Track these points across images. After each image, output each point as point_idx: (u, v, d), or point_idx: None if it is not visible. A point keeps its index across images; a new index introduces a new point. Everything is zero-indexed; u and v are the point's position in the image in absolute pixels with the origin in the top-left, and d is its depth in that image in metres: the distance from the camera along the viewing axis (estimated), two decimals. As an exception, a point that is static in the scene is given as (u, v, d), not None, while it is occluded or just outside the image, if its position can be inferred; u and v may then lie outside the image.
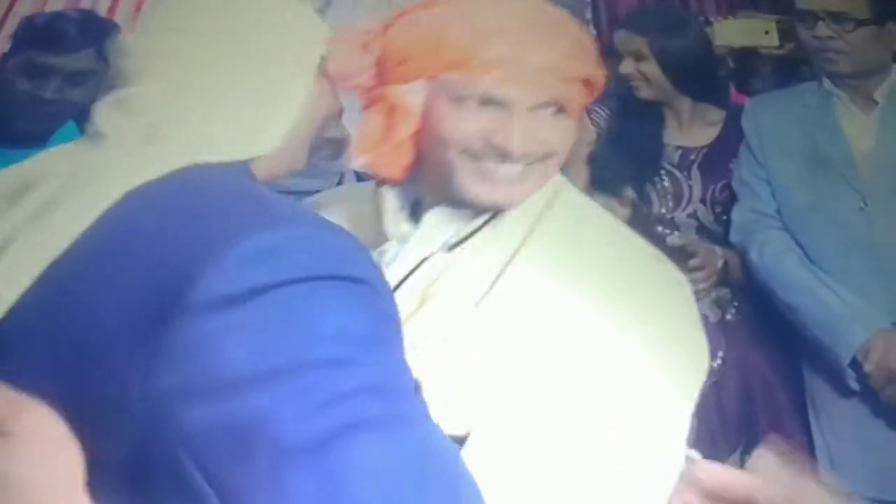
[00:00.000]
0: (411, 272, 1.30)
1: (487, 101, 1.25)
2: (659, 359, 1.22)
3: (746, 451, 2.50)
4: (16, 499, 0.84)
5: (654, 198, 2.69)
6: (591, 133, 2.81)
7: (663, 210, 2.69)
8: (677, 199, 2.68)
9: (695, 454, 1.07)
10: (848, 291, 2.41)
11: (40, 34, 2.46)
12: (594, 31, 3.73)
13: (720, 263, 2.55)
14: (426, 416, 0.94)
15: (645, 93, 2.72)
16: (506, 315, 1.24)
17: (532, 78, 1.25)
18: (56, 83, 2.36)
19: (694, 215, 2.67)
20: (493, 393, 1.19)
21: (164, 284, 0.89)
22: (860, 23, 2.40)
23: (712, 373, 2.36)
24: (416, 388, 0.95)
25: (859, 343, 2.35)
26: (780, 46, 2.83)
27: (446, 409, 1.08)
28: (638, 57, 2.70)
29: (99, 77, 2.31)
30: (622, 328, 1.21)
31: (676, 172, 2.70)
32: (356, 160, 1.39)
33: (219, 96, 1.08)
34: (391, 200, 1.35)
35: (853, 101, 2.52)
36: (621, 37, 2.79)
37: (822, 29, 2.43)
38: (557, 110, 1.29)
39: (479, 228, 1.31)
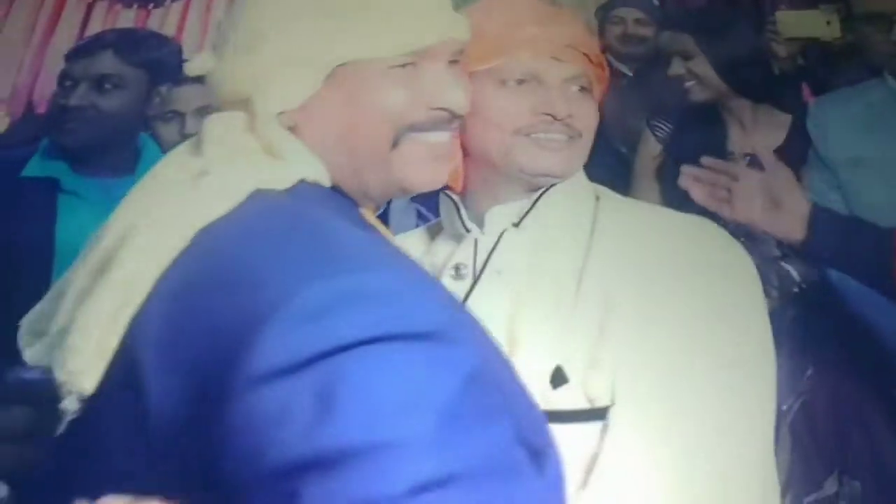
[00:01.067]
0: (491, 252, 1.42)
1: (525, 79, 1.41)
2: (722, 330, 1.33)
3: (844, 471, 2.44)
4: None
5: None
6: (656, 148, 2.82)
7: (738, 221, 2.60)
8: None
9: None
10: None
11: (78, 49, 2.50)
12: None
13: None
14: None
15: (699, 94, 2.71)
16: (597, 294, 1.34)
17: (560, 53, 1.42)
18: (82, 90, 2.35)
19: None
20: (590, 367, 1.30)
21: (221, 359, 0.85)
22: None
23: (802, 389, 2.45)
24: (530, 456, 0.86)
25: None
26: (843, 37, 2.77)
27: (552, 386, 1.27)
28: (685, 56, 2.69)
29: (128, 83, 2.37)
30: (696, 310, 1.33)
31: None
32: None
33: None
34: (454, 205, 1.47)
35: None
36: (666, 37, 2.81)
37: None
38: (582, 88, 1.44)
39: (538, 200, 1.43)
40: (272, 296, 0.86)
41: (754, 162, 2.56)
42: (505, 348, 1.22)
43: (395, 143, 1.10)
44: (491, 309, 1.33)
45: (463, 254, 1.46)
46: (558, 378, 1.30)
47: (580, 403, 1.30)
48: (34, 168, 2.36)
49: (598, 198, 1.49)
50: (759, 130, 2.72)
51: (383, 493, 0.78)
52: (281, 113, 1.08)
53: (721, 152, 2.64)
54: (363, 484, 0.79)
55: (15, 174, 2.36)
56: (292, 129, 1.09)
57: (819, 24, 3.04)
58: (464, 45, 1.18)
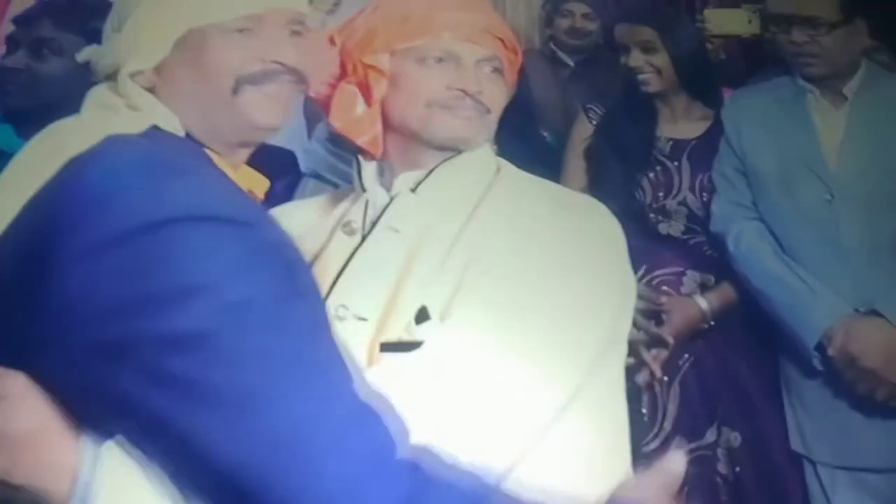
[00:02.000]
0: (383, 211, 1.55)
1: (443, 58, 1.54)
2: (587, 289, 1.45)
3: (723, 423, 2.66)
4: (22, 449, 1.02)
5: (647, 187, 2.77)
6: (589, 129, 2.90)
7: (655, 198, 2.77)
8: (668, 188, 2.78)
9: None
10: (815, 280, 2.51)
11: (20, 16, 2.41)
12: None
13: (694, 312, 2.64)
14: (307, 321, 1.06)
15: (654, 85, 2.79)
16: (470, 254, 1.46)
17: (476, 36, 1.56)
18: (20, 54, 2.29)
19: (684, 202, 2.76)
20: (451, 310, 1.42)
21: (46, 236, 1.03)
22: (832, 26, 2.48)
23: (694, 348, 2.62)
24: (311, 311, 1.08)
25: (823, 328, 2.46)
26: (762, 35, 2.91)
27: (417, 320, 1.40)
28: (646, 49, 2.76)
29: (65, 50, 2.23)
30: (558, 266, 1.44)
31: (668, 162, 2.79)
32: (333, 125, 1.62)
33: None
34: (368, 168, 1.60)
35: (824, 96, 2.59)
36: (626, 29, 2.84)
37: (798, 34, 2.51)
38: (494, 69, 1.58)
39: (436, 167, 1.56)
40: (92, 193, 1.03)
41: (676, 147, 2.79)
42: (392, 290, 1.45)
43: (234, 92, 1.23)
44: (380, 260, 1.51)
45: (355, 212, 1.59)
46: (422, 316, 1.43)
47: (433, 336, 1.42)
48: None
49: (498, 169, 1.61)
50: (686, 119, 2.83)
51: (201, 311, 0.98)
52: (138, 74, 1.24)
53: (648, 137, 2.82)
54: (175, 320, 0.98)
55: None
56: (151, 90, 1.24)
57: (742, 22, 3.21)
58: (301, 15, 1.30)
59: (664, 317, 2.60)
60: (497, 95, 1.59)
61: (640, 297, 2.46)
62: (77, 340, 1.00)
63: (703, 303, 2.66)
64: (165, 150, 1.16)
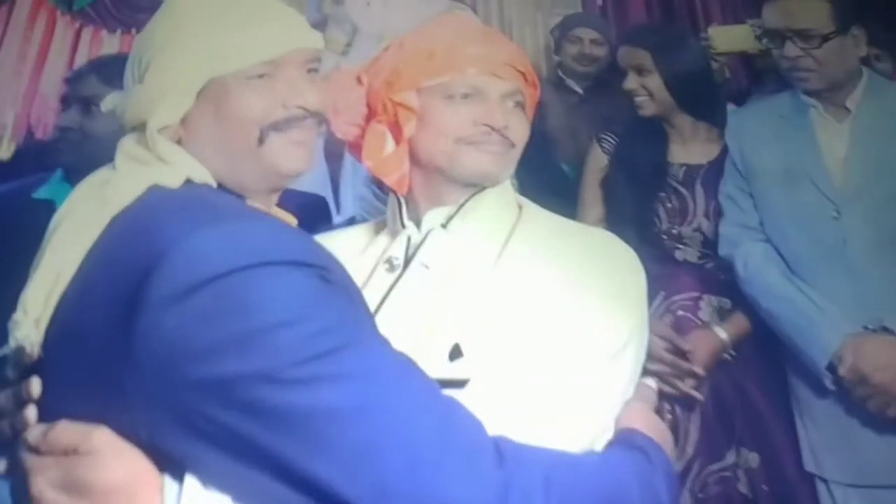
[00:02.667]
0: (417, 248, 1.55)
1: (469, 94, 1.55)
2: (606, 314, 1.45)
3: (741, 444, 2.65)
4: (114, 501, 1.06)
5: (663, 214, 2.77)
6: (603, 160, 2.90)
7: (670, 225, 2.76)
8: (683, 215, 2.76)
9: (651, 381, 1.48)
10: (823, 299, 2.48)
11: (74, 75, 2.53)
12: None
13: (717, 343, 2.64)
14: (384, 342, 1.12)
15: (648, 109, 2.79)
16: (504, 289, 1.47)
17: (499, 69, 1.56)
18: (71, 113, 2.36)
19: (699, 229, 2.75)
20: (487, 347, 1.41)
21: (126, 288, 1.05)
22: (825, 38, 2.45)
23: (714, 377, 2.61)
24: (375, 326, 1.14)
25: (834, 348, 2.42)
26: (769, 51, 2.82)
27: (451, 357, 1.39)
28: (640, 71, 2.77)
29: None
30: (584, 299, 1.45)
31: (682, 189, 2.78)
32: (365, 165, 1.63)
33: None
34: (396, 205, 1.61)
35: (827, 110, 2.56)
36: (624, 52, 2.86)
37: (790, 48, 2.48)
38: (517, 103, 1.59)
39: (465, 203, 1.56)
40: (169, 239, 1.06)
41: (689, 173, 2.78)
42: (424, 327, 1.45)
43: (260, 141, 1.26)
44: (414, 296, 1.50)
45: (396, 248, 1.58)
46: (455, 353, 1.43)
47: (468, 374, 1.41)
48: (43, 191, 2.38)
49: (520, 207, 1.63)
50: (696, 143, 2.81)
51: (292, 343, 1.02)
52: (165, 128, 1.25)
53: (661, 164, 2.80)
54: (272, 346, 1.02)
55: (28, 197, 2.37)
56: (179, 142, 1.26)
57: (747, 38, 3.17)
58: (319, 54, 1.33)
59: (690, 354, 2.60)
60: (520, 130, 1.60)
61: (664, 337, 2.55)
62: (174, 384, 1.03)
63: (722, 334, 2.65)
64: (217, 198, 1.19)
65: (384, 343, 1.12)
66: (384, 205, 2.18)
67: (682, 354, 2.58)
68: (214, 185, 1.26)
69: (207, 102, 1.25)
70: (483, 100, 1.57)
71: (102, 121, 2.22)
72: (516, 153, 1.60)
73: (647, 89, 2.78)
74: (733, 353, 2.66)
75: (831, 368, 2.44)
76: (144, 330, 1.03)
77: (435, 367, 1.37)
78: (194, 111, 1.26)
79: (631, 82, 2.79)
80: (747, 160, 2.65)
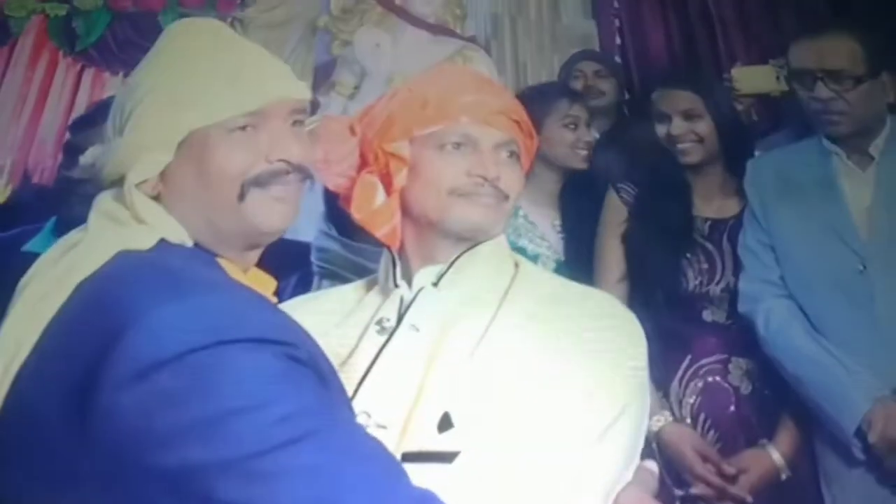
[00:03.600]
0: (407, 308, 1.50)
1: (462, 143, 1.51)
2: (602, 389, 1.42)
3: None
4: None
5: (689, 273, 2.60)
6: (623, 211, 2.72)
7: (698, 284, 2.60)
8: (711, 274, 2.60)
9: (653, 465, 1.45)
10: (851, 359, 2.34)
11: (78, 121, 2.42)
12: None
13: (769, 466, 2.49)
14: (351, 427, 1.11)
15: (694, 156, 2.63)
16: (496, 355, 1.43)
17: (493, 119, 1.53)
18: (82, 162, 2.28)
19: (727, 289, 2.59)
20: (477, 418, 1.38)
21: (84, 366, 1.02)
22: (858, 80, 2.35)
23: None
24: (350, 415, 1.15)
25: (863, 413, 2.28)
26: (791, 91, 2.69)
27: (440, 428, 1.36)
28: (689, 116, 2.60)
29: None
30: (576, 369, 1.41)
31: (709, 245, 2.62)
32: (355, 216, 1.57)
33: None
34: (390, 263, 1.56)
35: (850, 158, 2.45)
36: (667, 95, 2.67)
37: (822, 90, 2.37)
38: (511, 153, 1.55)
39: (456, 260, 1.52)
40: (129, 315, 1.03)
41: (714, 227, 2.62)
42: (413, 395, 1.40)
43: (241, 197, 1.22)
44: (404, 361, 1.44)
45: (388, 309, 1.52)
46: (445, 423, 1.37)
47: (458, 446, 1.37)
48: (37, 243, 2.30)
49: (517, 265, 1.57)
50: (719, 197, 2.67)
51: (254, 430, 1.00)
52: (144, 182, 1.22)
53: (687, 217, 2.64)
54: (233, 434, 0.99)
55: (18, 249, 2.28)
56: (156, 197, 1.22)
57: (770, 79, 3.10)
58: (303, 105, 1.29)
59: (741, 476, 2.45)
60: (514, 181, 1.55)
61: (708, 457, 2.44)
62: (130, 470, 1.01)
63: (775, 454, 2.48)
64: (182, 267, 1.15)
65: (353, 428, 1.11)
66: (352, 254, 2.13)
67: (729, 477, 2.43)
68: (190, 243, 1.22)
69: (187, 156, 1.22)
70: (475, 150, 1.52)
71: None
72: (509, 206, 1.55)
73: (698, 135, 2.60)
74: (790, 473, 2.49)
75: (860, 435, 2.30)
76: (101, 412, 1.01)
77: (424, 438, 1.37)
78: (174, 165, 1.22)
79: (678, 127, 2.61)
80: (768, 211, 2.53)
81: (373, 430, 1.36)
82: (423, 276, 1.53)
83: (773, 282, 2.50)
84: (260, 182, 1.22)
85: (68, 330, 1.09)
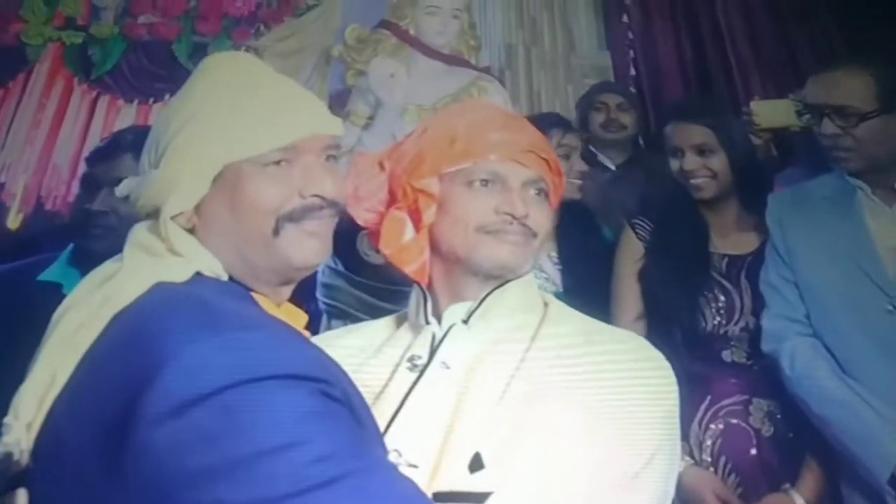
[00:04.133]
0: (438, 346, 1.49)
1: (490, 180, 1.51)
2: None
3: None
4: None
5: (708, 312, 2.55)
6: (639, 248, 2.67)
7: (716, 324, 2.55)
8: (730, 313, 2.55)
9: None
10: (881, 402, 2.26)
11: (98, 152, 2.39)
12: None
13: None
14: (387, 468, 1.09)
15: (708, 191, 2.59)
16: (527, 395, 1.42)
17: (521, 157, 1.52)
18: (104, 195, 2.22)
19: (746, 328, 2.53)
20: (508, 459, 1.37)
21: (120, 401, 1.02)
22: (863, 116, 2.30)
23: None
24: (384, 454, 1.13)
25: (896, 459, 2.21)
26: (809, 127, 2.66)
27: (471, 469, 1.35)
28: (702, 151, 2.57)
29: None
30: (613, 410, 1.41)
31: (726, 283, 2.57)
32: (384, 252, 1.58)
33: None
34: (422, 299, 1.55)
35: (875, 193, 2.40)
36: (679, 129, 2.63)
37: (828, 126, 2.34)
38: (539, 191, 1.54)
39: (486, 297, 1.51)
40: (165, 351, 1.03)
41: (732, 264, 2.57)
42: (443, 433, 1.39)
43: (276, 232, 1.22)
44: (435, 399, 1.44)
45: (420, 346, 1.52)
46: (476, 464, 1.36)
47: (490, 487, 1.36)
48: (53, 273, 2.28)
49: (546, 305, 1.56)
50: (735, 233, 2.63)
51: (287, 470, 0.99)
52: (179, 215, 1.22)
53: (704, 255, 2.59)
54: (265, 475, 0.98)
55: (32, 279, 2.27)
56: (192, 230, 1.23)
57: (790, 113, 2.99)
58: (337, 140, 1.29)
59: None
60: (542, 219, 1.55)
61: (728, 503, 2.39)
62: None
63: (799, 500, 2.41)
64: (217, 301, 1.14)
65: (388, 469, 1.09)
66: (348, 284, 2.10)
67: None
68: (225, 277, 1.22)
69: (222, 190, 1.22)
70: (504, 187, 1.52)
71: None
72: (537, 243, 1.55)
73: (711, 170, 2.57)
74: None
75: (893, 482, 2.21)
76: (135, 448, 1.00)
77: (455, 478, 1.36)
78: (209, 198, 1.23)
79: (691, 162, 2.58)
80: (791, 246, 2.47)
81: (403, 469, 1.32)
82: (453, 313, 1.52)
83: (797, 319, 2.43)
84: (293, 217, 1.22)
85: (104, 364, 1.09)
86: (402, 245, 1.55)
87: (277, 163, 1.22)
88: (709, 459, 2.49)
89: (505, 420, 1.40)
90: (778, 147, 3.29)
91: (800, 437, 2.45)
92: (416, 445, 1.40)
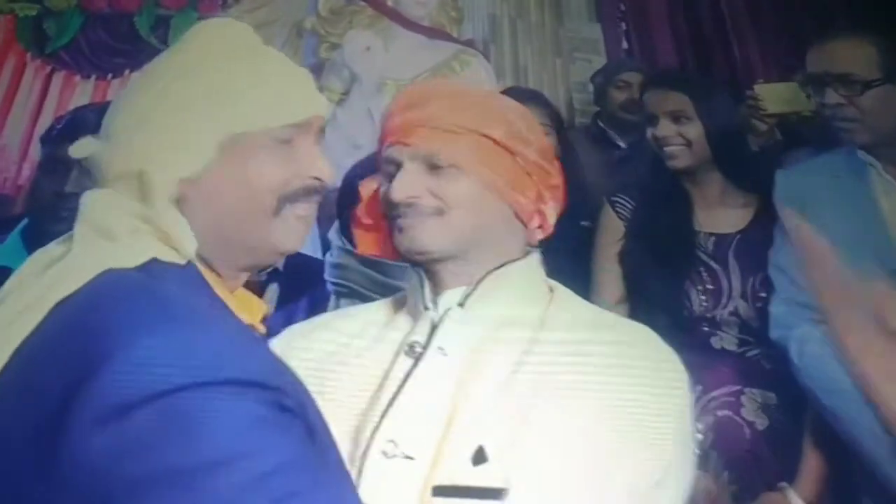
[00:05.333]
0: (436, 329, 1.44)
1: (391, 168, 1.48)
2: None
3: None
4: None
5: (694, 296, 2.44)
6: (619, 228, 2.58)
7: (704, 309, 2.43)
8: (717, 296, 2.44)
9: None
10: None
11: (61, 132, 2.32)
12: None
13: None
14: (337, 486, 1.07)
15: (682, 160, 2.50)
16: (532, 386, 1.37)
17: (406, 136, 1.47)
18: (74, 175, 2.17)
19: (735, 312, 2.43)
20: (515, 451, 1.32)
21: (56, 402, 0.97)
22: (867, 84, 2.22)
23: None
24: (337, 462, 1.11)
25: (912, 455, 2.09)
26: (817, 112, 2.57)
27: (475, 462, 1.31)
28: (677, 118, 2.49)
29: None
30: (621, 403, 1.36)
31: (713, 264, 2.46)
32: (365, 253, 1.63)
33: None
34: (418, 282, 1.50)
35: (886, 170, 2.28)
36: (656, 95, 2.57)
37: (831, 95, 2.26)
38: (434, 166, 1.45)
39: (482, 279, 1.46)
40: (106, 347, 0.98)
41: (719, 243, 2.48)
42: (443, 424, 1.34)
43: (276, 212, 1.19)
44: (433, 387, 1.39)
45: (419, 332, 1.46)
46: (479, 457, 1.31)
47: (494, 482, 1.31)
48: (1, 255, 2.20)
49: (552, 290, 1.52)
50: (724, 208, 2.53)
51: (227, 487, 0.94)
52: (168, 182, 1.15)
53: (688, 233, 2.49)
54: (205, 489, 0.94)
55: None
56: (179, 200, 1.15)
57: (799, 97, 2.89)
58: (323, 121, 1.27)
59: None
60: (450, 190, 1.46)
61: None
62: None
63: (796, 500, 2.26)
64: (170, 292, 1.09)
65: (341, 492, 1.08)
66: (359, 263, 2.05)
67: None
68: (184, 261, 1.15)
69: (228, 159, 1.17)
70: (403, 171, 1.48)
71: None
72: (456, 216, 1.46)
73: (685, 138, 2.48)
74: None
75: None
76: (71, 452, 0.95)
77: (456, 471, 1.32)
78: (208, 171, 1.17)
79: (664, 129, 2.49)
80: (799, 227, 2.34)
81: (399, 461, 1.34)
82: (450, 297, 1.47)
83: (806, 304, 2.29)
84: (292, 198, 1.20)
85: (40, 359, 1.03)
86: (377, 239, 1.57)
87: (284, 142, 1.20)
88: (700, 455, 2.28)
89: (509, 411, 1.36)
90: (784, 133, 3.18)
91: (797, 431, 2.34)
92: (412, 436, 1.36)
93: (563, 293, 1.53)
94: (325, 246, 3.21)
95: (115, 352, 0.98)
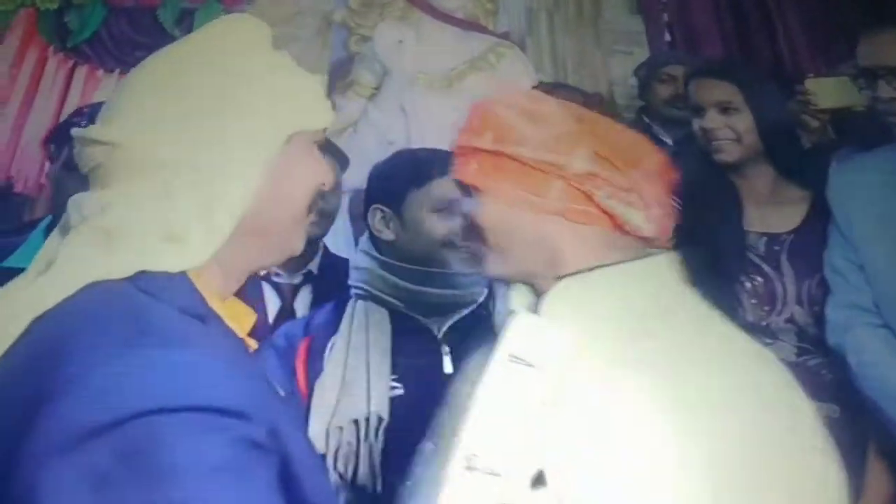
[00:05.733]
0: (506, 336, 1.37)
1: None
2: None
3: None
4: None
5: (747, 302, 2.34)
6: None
7: (757, 316, 2.33)
8: (771, 301, 2.34)
9: None
10: None
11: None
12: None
13: None
14: None
15: (731, 154, 2.40)
16: (615, 409, 1.27)
17: None
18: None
19: (792, 320, 2.33)
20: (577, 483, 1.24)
21: (15, 423, 0.95)
22: None
23: None
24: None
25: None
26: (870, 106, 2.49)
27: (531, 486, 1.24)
28: (725, 109, 2.40)
29: None
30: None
31: (765, 267, 2.36)
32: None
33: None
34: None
35: None
36: (703, 85, 2.47)
37: (884, 88, 2.19)
38: None
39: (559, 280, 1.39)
40: (73, 371, 0.96)
41: (771, 243, 2.38)
42: (522, 438, 1.27)
43: (310, 210, 1.19)
44: (497, 395, 1.32)
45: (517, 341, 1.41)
46: (538, 480, 1.25)
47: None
48: (16, 258, 2.18)
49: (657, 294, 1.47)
50: (773, 207, 2.42)
51: None
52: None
53: (738, 233, 2.39)
54: None
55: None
56: None
57: (851, 91, 2.75)
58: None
59: None
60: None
61: None
62: None
63: None
64: (150, 306, 1.05)
65: None
66: (379, 267, 2.03)
67: None
68: (181, 268, 1.11)
69: (281, 158, 1.15)
70: None
71: None
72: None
73: (735, 130, 2.37)
74: None
75: None
76: (23, 487, 0.93)
77: (516, 492, 1.25)
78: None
79: (712, 120, 2.39)
80: (856, 227, 2.27)
81: (481, 476, 1.27)
82: (517, 296, 1.43)
83: (864, 307, 2.24)
84: (315, 200, 1.21)
85: (9, 376, 1.01)
86: None
87: (317, 144, 1.20)
88: None
89: (580, 437, 1.26)
90: (836, 129, 3.08)
91: (862, 444, 2.25)
92: (494, 449, 1.29)
93: (669, 294, 1.50)
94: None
95: (72, 379, 0.95)
